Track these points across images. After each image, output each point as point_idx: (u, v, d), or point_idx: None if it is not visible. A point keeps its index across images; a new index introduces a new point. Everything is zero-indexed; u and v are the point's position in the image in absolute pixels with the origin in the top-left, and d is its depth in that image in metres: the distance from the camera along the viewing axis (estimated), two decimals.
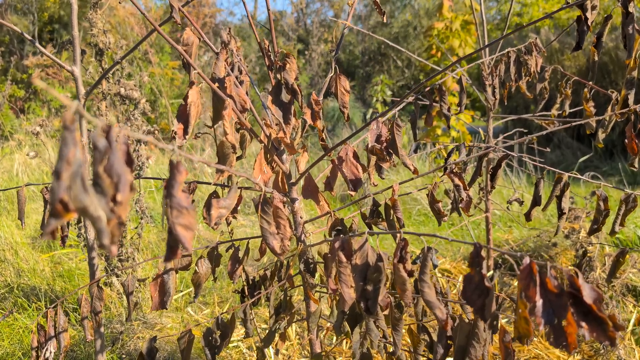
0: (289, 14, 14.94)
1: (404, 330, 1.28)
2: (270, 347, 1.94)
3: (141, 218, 2.51)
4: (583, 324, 0.59)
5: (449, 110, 1.47)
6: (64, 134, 0.40)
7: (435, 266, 1.97)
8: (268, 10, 1.18)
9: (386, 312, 1.06)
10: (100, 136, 0.43)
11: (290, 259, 1.35)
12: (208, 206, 0.92)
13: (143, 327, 2.26)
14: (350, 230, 1.31)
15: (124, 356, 2.09)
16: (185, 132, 1.02)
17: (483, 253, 0.77)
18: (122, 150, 0.47)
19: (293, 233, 1.32)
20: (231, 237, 1.57)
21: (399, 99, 1.27)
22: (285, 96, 1.18)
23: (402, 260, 0.83)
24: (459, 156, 1.48)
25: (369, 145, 1.10)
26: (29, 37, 1.59)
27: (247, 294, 1.48)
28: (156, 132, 2.55)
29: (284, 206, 1.43)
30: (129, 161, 0.47)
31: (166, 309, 1.22)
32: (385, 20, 1.46)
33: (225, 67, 1.27)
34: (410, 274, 0.83)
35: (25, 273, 3.12)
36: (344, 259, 0.94)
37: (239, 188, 1.35)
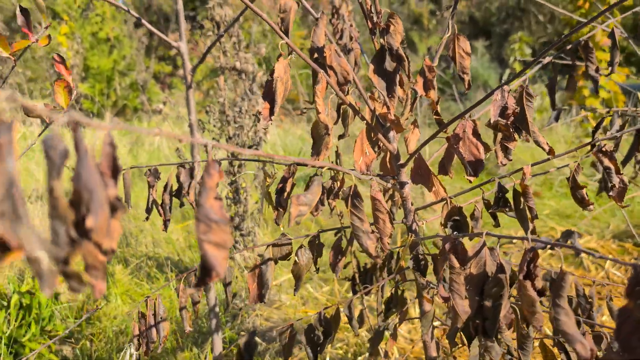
0: None
1: (535, 344, 1.07)
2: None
3: (261, 193, 2.49)
4: None
5: (597, 70, 1.19)
6: None
7: (578, 252, 1.69)
8: None
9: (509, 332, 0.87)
10: (57, 139, 0.31)
11: (401, 249, 1.19)
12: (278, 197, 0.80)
13: (262, 304, 2.25)
14: (473, 219, 1.12)
15: (242, 332, 2.09)
16: (272, 112, 0.89)
17: None
18: (106, 155, 0.34)
19: (403, 221, 1.16)
20: (341, 221, 1.45)
21: (533, 59, 1.03)
22: (389, 64, 1.00)
23: (529, 276, 0.63)
24: (611, 128, 1.20)
25: (492, 120, 0.90)
26: (147, 24, 1.56)
27: (358, 281, 1.35)
28: None
29: (391, 193, 1.27)
30: (114, 169, 0.34)
31: (264, 302, 1.13)
32: None
33: (327, 35, 1.12)
34: (541, 292, 0.64)
35: (160, 243, 3.29)
36: (456, 264, 0.77)
37: (334, 169, 1.21)
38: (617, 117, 1.16)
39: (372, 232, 0.84)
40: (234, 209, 2.47)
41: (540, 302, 0.68)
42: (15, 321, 2.49)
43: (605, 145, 0.92)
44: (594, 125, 1.16)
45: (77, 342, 2.37)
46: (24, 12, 0.91)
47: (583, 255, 3.10)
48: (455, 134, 0.96)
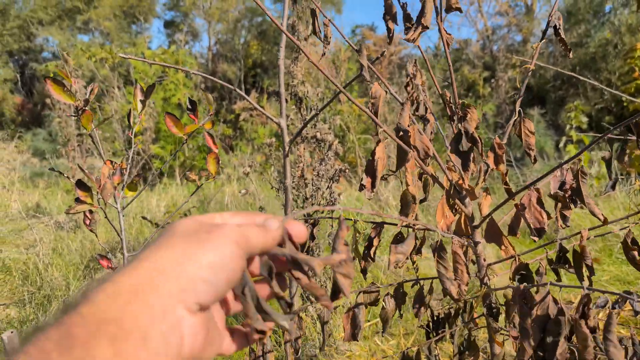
0: (474, 42, 14.72)
1: None
2: None
3: (332, 249, 2.71)
4: None
5: None
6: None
7: (637, 313, 1.82)
8: (449, 67, 1.26)
9: None
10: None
11: (474, 299, 1.38)
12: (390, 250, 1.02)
13: (334, 353, 2.43)
14: (537, 275, 1.30)
15: None
16: (373, 185, 1.13)
17: None
18: None
19: (476, 275, 1.35)
20: (416, 274, 1.65)
21: (589, 144, 1.24)
22: (464, 145, 1.24)
23: (584, 316, 0.83)
24: None
25: (552, 192, 1.11)
26: (239, 91, 1.86)
27: (431, 329, 1.53)
28: (347, 170, 2.74)
29: (465, 249, 1.47)
30: None
31: (357, 341, 1.34)
32: (570, 56, 1.44)
33: (410, 117, 1.36)
34: (592, 330, 0.83)
35: None
36: (524, 308, 0.96)
37: (422, 229, 1.43)
38: None
39: (455, 279, 1.05)
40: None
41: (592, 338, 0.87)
42: None
43: None
44: None
45: None
46: (192, 103, 1.20)
47: None
48: (522, 203, 1.17)
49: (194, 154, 9.50)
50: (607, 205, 4.72)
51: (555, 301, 0.92)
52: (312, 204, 2.69)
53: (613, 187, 1.85)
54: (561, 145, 5.88)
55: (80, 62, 12.06)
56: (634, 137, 1.43)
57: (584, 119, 5.80)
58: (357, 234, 1.57)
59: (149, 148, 9.40)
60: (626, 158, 1.48)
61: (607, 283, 3.45)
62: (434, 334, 1.50)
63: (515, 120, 1.37)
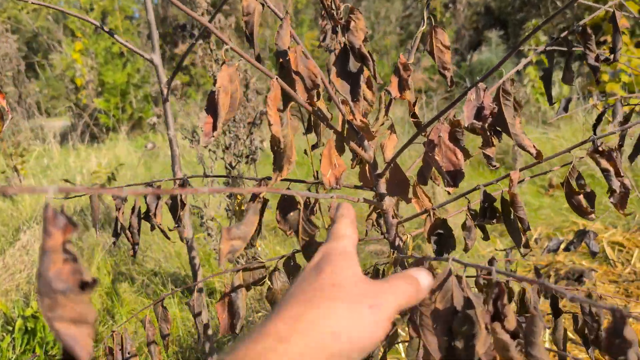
0: None
1: None
2: None
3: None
4: None
5: (597, 59, 1.06)
6: None
7: (594, 254, 1.54)
8: None
9: None
10: None
11: (387, 266, 1.08)
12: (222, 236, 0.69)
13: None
14: (465, 229, 1.00)
15: None
16: (214, 127, 0.79)
17: None
18: None
19: (384, 237, 1.04)
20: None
21: (514, 47, 0.91)
22: (353, 65, 0.90)
23: (498, 316, 0.52)
24: (613, 119, 1.08)
25: (466, 124, 0.78)
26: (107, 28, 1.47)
27: None
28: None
29: (371, 206, 1.15)
30: None
31: (236, 333, 1.03)
32: None
33: (292, 35, 1.01)
34: (514, 335, 0.53)
35: (171, 257, 3.22)
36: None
37: (320, 183, 1.11)
38: (620, 106, 1.03)
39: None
40: (234, 221, 2.38)
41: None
42: (20, 346, 2.45)
43: (601, 143, 0.80)
44: (595, 122, 1.03)
45: None
46: None
47: (609, 250, 2.93)
48: (430, 139, 0.85)
49: (141, 105, 8.95)
50: (568, 128, 4.47)
51: (460, 286, 0.61)
52: (234, 154, 2.34)
53: (565, 109, 1.55)
54: (520, 68, 5.58)
55: (11, 15, 11.15)
56: (581, 48, 1.11)
57: (544, 38, 5.48)
58: (239, 196, 1.25)
59: (93, 102, 8.82)
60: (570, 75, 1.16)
61: (567, 212, 3.23)
62: None
63: (425, 31, 1.03)
